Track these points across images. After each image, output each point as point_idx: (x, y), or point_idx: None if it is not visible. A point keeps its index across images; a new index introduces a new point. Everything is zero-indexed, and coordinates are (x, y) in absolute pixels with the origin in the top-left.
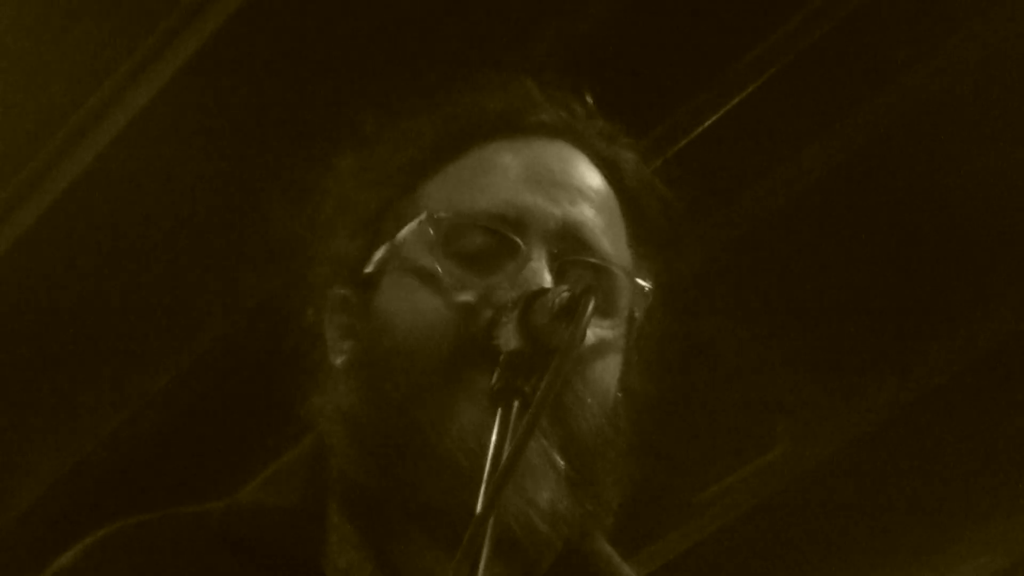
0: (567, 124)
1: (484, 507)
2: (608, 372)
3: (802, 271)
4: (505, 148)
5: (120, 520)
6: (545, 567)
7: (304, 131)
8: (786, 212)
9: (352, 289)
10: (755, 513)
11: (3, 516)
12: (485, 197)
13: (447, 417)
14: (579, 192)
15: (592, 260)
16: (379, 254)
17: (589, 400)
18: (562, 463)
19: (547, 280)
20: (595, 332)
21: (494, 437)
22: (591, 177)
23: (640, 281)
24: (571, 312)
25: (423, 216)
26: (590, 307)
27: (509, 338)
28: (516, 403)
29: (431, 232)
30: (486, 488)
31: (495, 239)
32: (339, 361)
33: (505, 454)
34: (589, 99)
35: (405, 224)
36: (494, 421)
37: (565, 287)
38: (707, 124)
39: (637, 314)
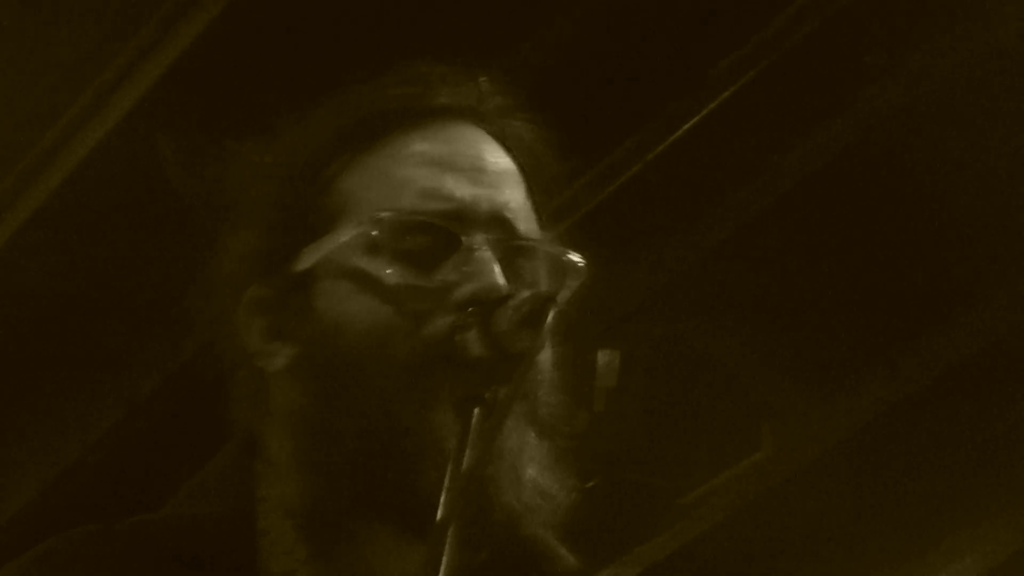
0: (468, 105)
1: (445, 514)
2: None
3: (786, 272)
4: (415, 136)
5: (58, 533)
6: (483, 554)
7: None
8: (770, 213)
9: (273, 289)
10: (741, 515)
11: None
12: (414, 191)
13: (419, 423)
14: (497, 175)
15: (530, 242)
16: (310, 253)
17: (551, 375)
18: (537, 439)
19: (496, 270)
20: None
21: (456, 443)
22: (503, 157)
23: (575, 257)
24: (533, 319)
25: (364, 217)
26: (551, 314)
27: (472, 345)
28: (477, 410)
29: (374, 233)
30: (447, 495)
31: (434, 233)
32: (271, 366)
33: (466, 460)
34: (483, 77)
35: (329, 220)
36: (458, 426)
37: (526, 293)
38: (688, 126)
39: (571, 289)
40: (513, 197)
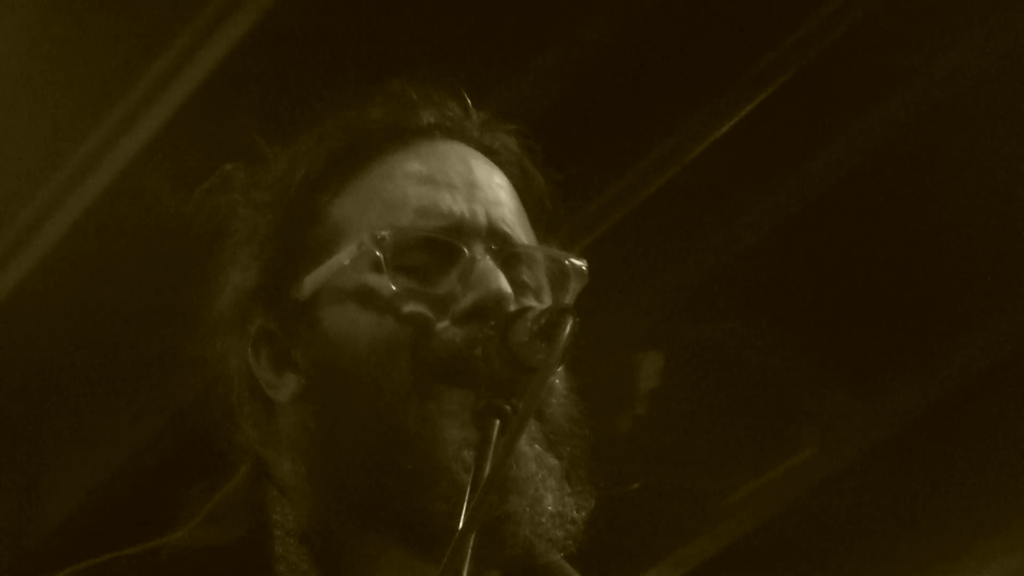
0: (454, 122)
1: (465, 524)
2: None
3: (827, 274)
4: (406, 156)
5: (71, 567)
6: None
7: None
8: (810, 215)
9: (277, 320)
10: (784, 515)
11: (34, 533)
12: (411, 209)
13: (434, 432)
14: (490, 188)
15: (530, 249)
16: (311, 280)
17: (561, 389)
18: (554, 461)
19: (501, 277)
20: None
21: (476, 455)
22: (493, 171)
23: (577, 261)
24: (550, 332)
25: (364, 238)
26: (568, 327)
27: (491, 358)
28: (497, 422)
29: (376, 253)
30: (467, 505)
31: (436, 249)
32: (283, 396)
33: (486, 471)
34: (463, 93)
35: (327, 245)
36: (475, 438)
37: (544, 307)
38: (725, 128)
39: (574, 292)
40: (508, 208)
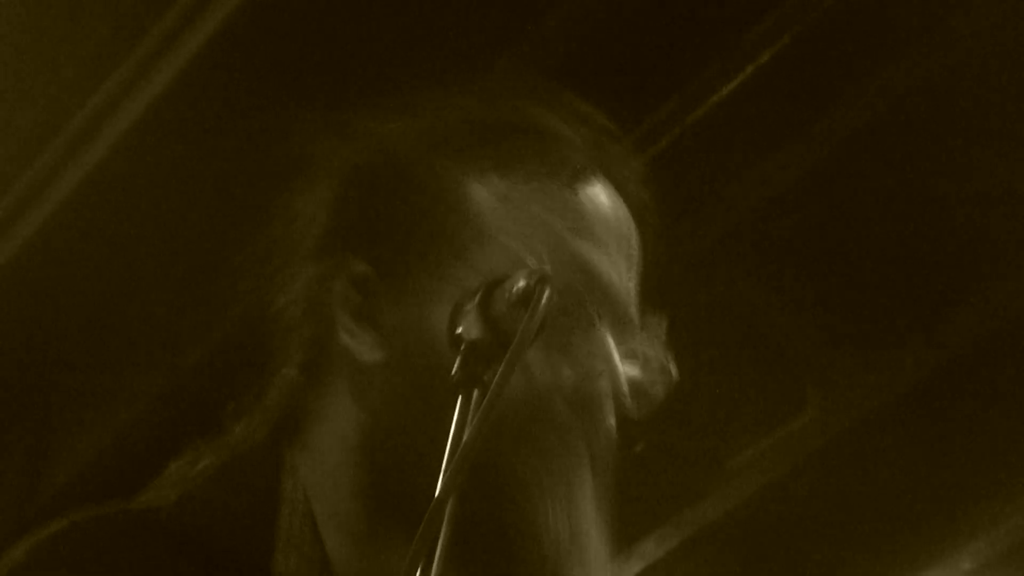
0: (611, 164)
1: (441, 493)
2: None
3: (831, 236)
4: (562, 182)
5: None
6: None
7: (306, 130)
8: (814, 177)
9: (378, 273)
10: (787, 478)
11: (43, 494)
12: (571, 260)
13: (441, 418)
14: (633, 261)
15: (641, 350)
16: (447, 280)
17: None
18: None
19: (623, 373)
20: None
21: (454, 425)
22: (635, 234)
23: (671, 370)
24: (528, 300)
25: (531, 274)
26: (545, 295)
27: (470, 328)
28: (476, 391)
29: (524, 293)
30: (445, 473)
31: (584, 322)
32: (358, 348)
33: (465, 440)
34: (607, 120)
35: (455, 233)
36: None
37: (522, 275)
38: (730, 88)
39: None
40: (635, 284)
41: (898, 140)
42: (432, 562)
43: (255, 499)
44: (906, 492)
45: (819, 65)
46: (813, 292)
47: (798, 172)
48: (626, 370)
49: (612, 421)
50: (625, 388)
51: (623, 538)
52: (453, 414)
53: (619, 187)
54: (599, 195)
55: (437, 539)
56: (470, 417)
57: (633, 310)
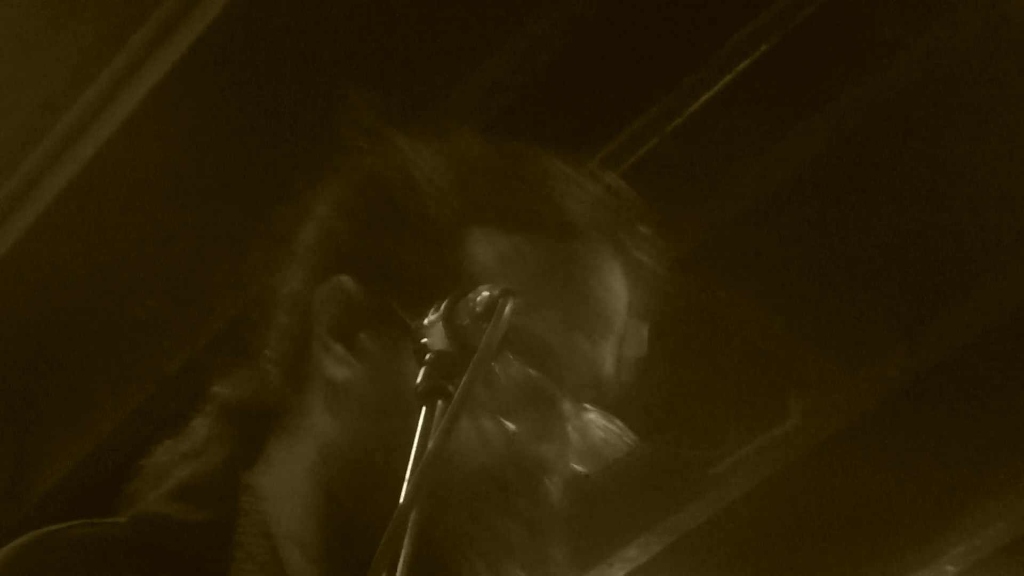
0: (617, 228)
1: (407, 500)
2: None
3: (811, 242)
4: (564, 253)
5: (28, 533)
6: None
7: (304, 125)
8: (795, 184)
9: (363, 293)
10: (771, 484)
11: (26, 501)
12: (550, 326)
13: (398, 440)
14: (614, 331)
15: (595, 417)
16: (431, 323)
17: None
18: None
19: (569, 432)
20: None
21: (418, 435)
22: (623, 303)
23: (631, 437)
24: (491, 313)
25: (495, 287)
26: (508, 307)
27: (435, 339)
28: (440, 402)
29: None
30: (409, 481)
31: (544, 404)
32: (329, 365)
33: (429, 449)
34: (624, 184)
35: (453, 274)
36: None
37: (485, 288)
38: (708, 96)
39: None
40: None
41: (877, 147)
42: (396, 570)
43: (213, 515)
44: (890, 497)
45: (792, 78)
46: (795, 298)
47: (779, 179)
48: (582, 429)
49: (558, 484)
50: (572, 453)
51: (607, 544)
52: (410, 434)
53: (621, 248)
54: (597, 262)
55: (400, 547)
56: (434, 427)
57: (603, 378)
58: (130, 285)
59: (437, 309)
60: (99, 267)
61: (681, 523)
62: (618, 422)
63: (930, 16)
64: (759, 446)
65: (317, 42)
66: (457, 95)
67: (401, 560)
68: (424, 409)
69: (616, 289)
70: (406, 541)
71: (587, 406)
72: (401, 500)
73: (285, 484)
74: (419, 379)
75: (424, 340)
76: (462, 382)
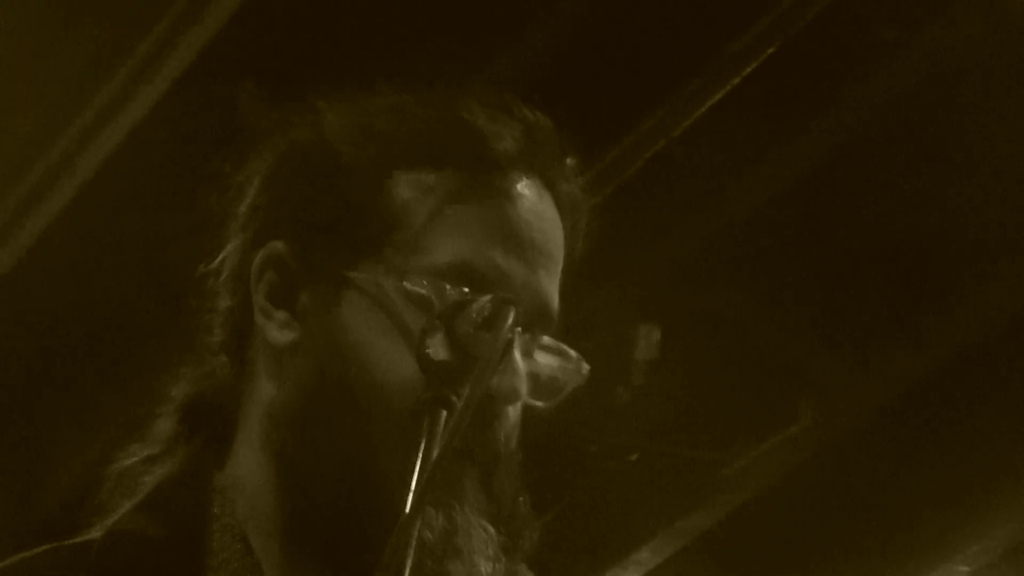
0: (540, 161)
1: (410, 512)
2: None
3: (820, 245)
4: (487, 183)
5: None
6: None
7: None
8: (803, 186)
9: (295, 253)
10: (782, 485)
11: (40, 508)
12: (486, 262)
13: (402, 470)
14: (557, 260)
15: (555, 347)
16: (361, 269)
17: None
18: (494, 532)
19: (522, 374)
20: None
21: (422, 445)
22: (560, 233)
23: (585, 365)
24: (492, 322)
25: (434, 279)
26: (510, 317)
27: (438, 349)
28: (443, 412)
29: (434, 299)
30: (415, 490)
31: (493, 324)
32: (272, 331)
33: (433, 459)
34: (544, 117)
35: (381, 224)
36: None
37: (487, 297)
38: (713, 100)
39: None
40: (556, 287)
41: (882, 151)
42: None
43: (185, 525)
44: (899, 498)
45: (797, 79)
46: (805, 301)
47: (786, 182)
48: (538, 362)
49: (511, 421)
50: (526, 385)
51: (619, 547)
52: (358, 385)
53: (549, 183)
54: (525, 191)
55: (406, 557)
56: (438, 437)
57: (549, 306)
58: (132, 302)
59: (438, 318)
60: (102, 284)
61: (693, 526)
62: (572, 351)
63: (930, 16)
64: (770, 448)
65: (319, 50)
66: None
67: (407, 571)
68: (427, 418)
69: (550, 219)
70: (411, 547)
71: (538, 336)
72: (407, 509)
73: (252, 474)
74: (423, 389)
75: (427, 349)
76: (465, 394)
